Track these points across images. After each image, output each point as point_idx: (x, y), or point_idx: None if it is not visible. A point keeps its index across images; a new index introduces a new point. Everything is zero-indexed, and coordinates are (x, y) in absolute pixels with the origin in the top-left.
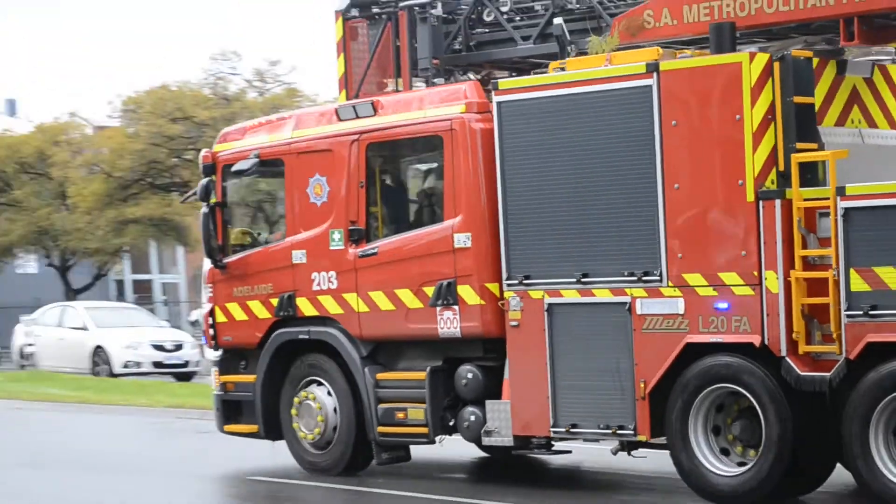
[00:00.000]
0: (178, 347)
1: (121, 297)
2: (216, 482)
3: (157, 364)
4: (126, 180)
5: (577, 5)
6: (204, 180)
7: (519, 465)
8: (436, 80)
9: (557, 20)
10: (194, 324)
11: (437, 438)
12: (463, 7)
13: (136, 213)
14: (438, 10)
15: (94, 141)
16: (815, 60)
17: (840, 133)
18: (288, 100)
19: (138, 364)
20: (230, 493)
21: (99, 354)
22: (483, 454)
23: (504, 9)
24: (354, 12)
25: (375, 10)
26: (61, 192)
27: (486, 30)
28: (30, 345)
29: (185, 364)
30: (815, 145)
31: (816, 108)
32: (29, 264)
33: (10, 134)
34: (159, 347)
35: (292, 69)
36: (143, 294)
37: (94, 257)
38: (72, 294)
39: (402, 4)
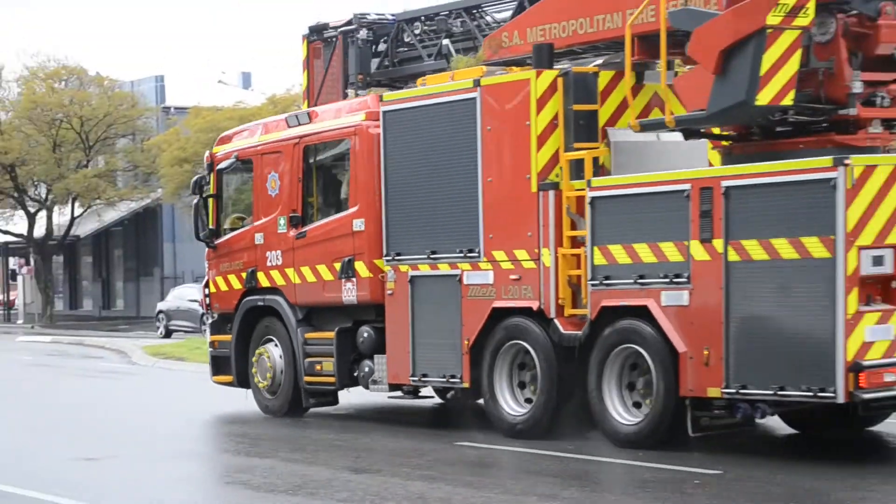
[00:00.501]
0: None
1: None
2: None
3: None
4: None
5: (461, 28)
6: (196, 176)
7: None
8: (360, 92)
9: (445, 41)
10: None
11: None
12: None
13: None
14: (363, 35)
15: None
16: (610, 73)
17: (630, 134)
18: None
19: None
20: (445, 458)
21: None
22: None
23: (416, 31)
24: (315, 36)
25: (326, 34)
26: None
27: (406, 49)
28: None
29: None
30: (597, 145)
31: (609, 113)
32: None
33: (243, 106)
34: None
35: None
36: None
37: None
38: None
39: (339, 30)
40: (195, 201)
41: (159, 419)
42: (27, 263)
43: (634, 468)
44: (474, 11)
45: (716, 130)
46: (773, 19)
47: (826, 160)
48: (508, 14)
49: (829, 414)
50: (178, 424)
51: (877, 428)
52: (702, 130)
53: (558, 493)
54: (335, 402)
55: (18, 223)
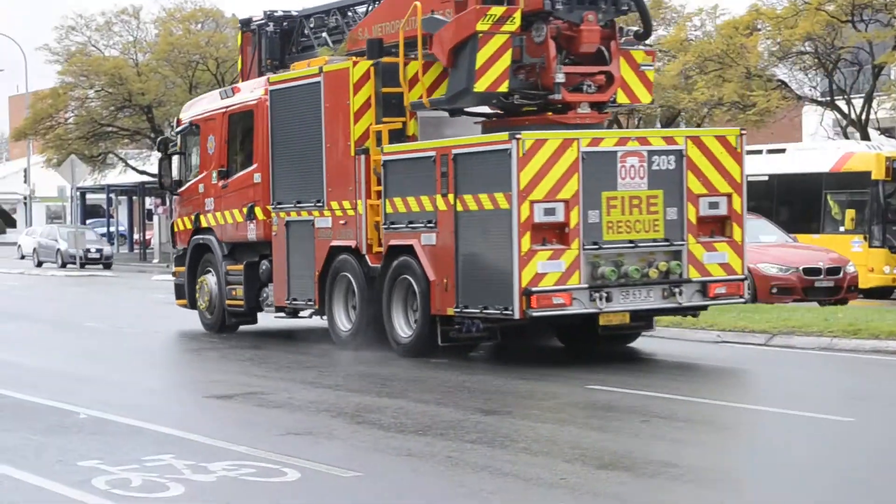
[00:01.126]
0: None
1: None
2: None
3: None
4: None
5: (335, 23)
6: (161, 137)
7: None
8: (269, 75)
9: (324, 34)
10: None
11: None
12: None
13: None
14: (271, 28)
15: None
16: (418, 63)
17: (431, 111)
18: (653, 11)
19: None
20: (575, 401)
21: None
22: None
23: (312, 25)
24: (245, 28)
25: (251, 26)
26: None
27: (304, 39)
28: None
29: None
30: (403, 119)
31: (417, 95)
32: None
33: None
34: None
35: None
36: None
37: None
38: None
39: (253, 24)
40: (160, 158)
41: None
42: (162, 203)
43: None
44: (347, 11)
45: (477, 108)
46: (482, 26)
47: (504, 135)
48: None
49: (588, 332)
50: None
51: (634, 344)
52: (464, 109)
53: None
54: (253, 321)
55: (155, 163)
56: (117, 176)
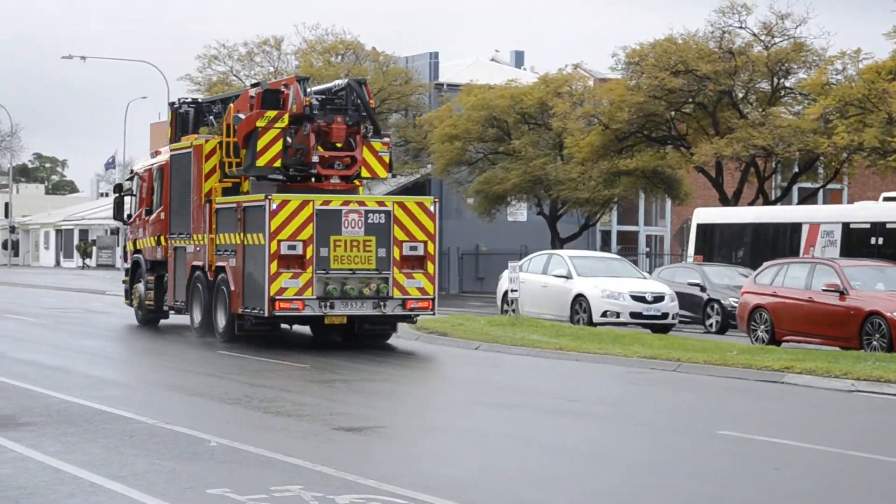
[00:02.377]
0: (658, 299)
1: (605, 247)
2: (686, 435)
3: (636, 315)
4: (622, 132)
5: (219, 110)
6: (117, 183)
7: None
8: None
9: (210, 117)
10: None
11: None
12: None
13: (628, 166)
14: (183, 109)
15: (595, 93)
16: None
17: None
18: (794, 54)
19: (617, 314)
20: (713, 448)
21: (579, 303)
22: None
23: (215, 110)
24: (174, 107)
25: (176, 107)
26: (558, 142)
27: (205, 118)
28: (514, 290)
29: (664, 316)
30: (238, 179)
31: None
32: (519, 212)
33: (515, 85)
34: (639, 299)
35: (802, 22)
36: (627, 245)
37: (583, 207)
38: (558, 243)
39: (175, 105)
40: (114, 197)
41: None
42: None
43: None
44: (228, 102)
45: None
46: (260, 123)
47: (261, 196)
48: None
49: (354, 333)
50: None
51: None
52: (268, 175)
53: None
54: (165, 317)
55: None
56: None
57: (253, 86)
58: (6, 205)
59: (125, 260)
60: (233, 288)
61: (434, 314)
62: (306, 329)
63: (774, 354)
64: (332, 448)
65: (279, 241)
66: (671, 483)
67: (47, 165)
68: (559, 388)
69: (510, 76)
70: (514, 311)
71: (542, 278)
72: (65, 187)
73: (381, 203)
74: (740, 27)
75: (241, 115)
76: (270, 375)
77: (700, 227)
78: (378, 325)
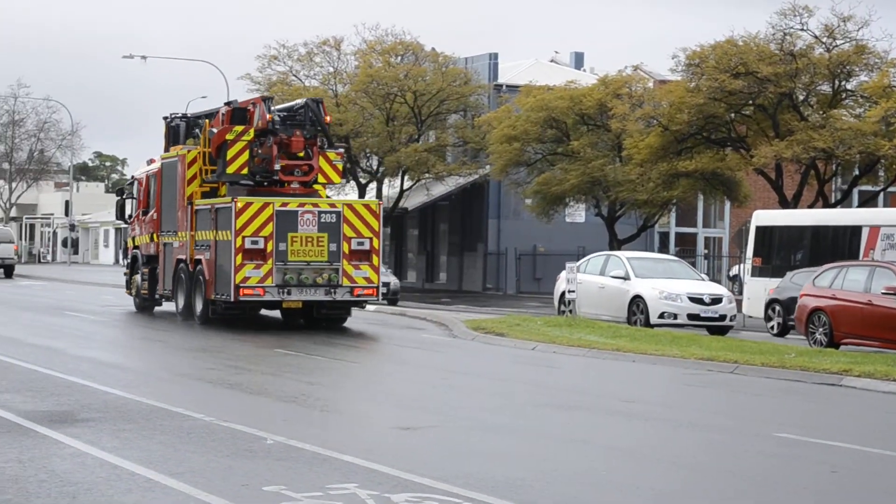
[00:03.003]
0: (716, 301)
1: (663, 248)
2: (743, 437)
3: (693, 316)
4: (682, 134)
5: (205, 112)
6: (119, 187)
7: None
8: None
9: (197, 130)
10: (733, 279)
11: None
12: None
13: (687, 167)
14: (175, 123)
15: (655, 94)
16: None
17: (241, 177)
18: (855, 56)
19: (674, 315)
20: (770, 451)
21: (637, 304)
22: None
23: (202, 123)
24: (167, 120)
25: (169, 121)
26: (617, 144)
27: (192, 131)
28: (571, 291)
29: (722, 318)
30: (217, 184)
31: (230, 171)
32: (577, 213)
33: (574, 86)
34: (697, 300)
35: (864, 25)
36: (685, 247)
37: (641, 209)
38: (616, 244)
39: (167, 119)
40: (117, 199)
41: (477, 392)
42: None
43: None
44: (212, 116)
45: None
46: (230, 136)
47: (228, 199)
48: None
49: (314, 318)
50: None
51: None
52: (239, 181)
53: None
54: (159, 304)
55: (350, 193)
56: None
57: (226, 104)
58: (66, 203)
59: (125, 255)
60: (207, 277)
61: (378, 300)
62: (277, 314)
63: (833, 357)
64: (387, 446)
65: (243, 237)
66: (728, 485)
67: (107, 164)
68: (616, 389)
69: (570, 77)
70: (571, 311)
71: (599, 279)
72: None
73: (332, 205)
74: (801, 29)
75: (214, 130)
76: (327, 373)
77: (759, 229)
78: (332, 310)
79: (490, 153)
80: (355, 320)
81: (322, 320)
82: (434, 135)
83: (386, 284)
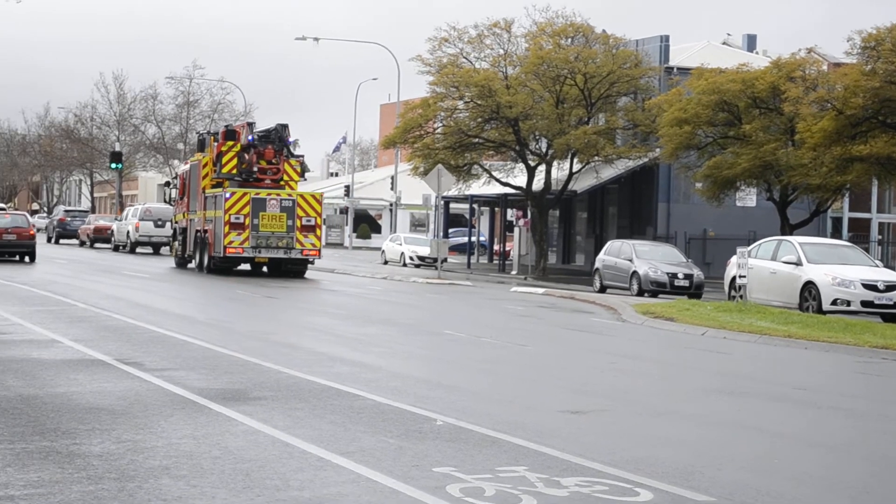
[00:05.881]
0: (891, 288)
1: (836, 234)
2: None
3: (867, 304)
4: (856, 118)
5: (212, 131)
6: (167, 180)
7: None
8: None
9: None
10: None
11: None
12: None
13: (862, 152)
14: (201, 137)
15: (829, 78)
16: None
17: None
18: None
19: (847, 302)
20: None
21: (809, 290)
22: None
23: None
24: (208, 136)
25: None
26: (790, 127)
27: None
28: (742, 276)
29: None
30: (222, 180)
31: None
32: (748, 198)
33: (747, 69)
34: (870, 287)
35: None
36: (858, 232)
37: (814, 194)
38: (788, 229)
39: (200, 134)
40: (166, 189)
41: (641, 376)
42: (524, 216)
43: None
44: (218, 135)
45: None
46: (224, 148)
47: (220, 189)
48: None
49: (282, 270)
50: (665, 387)
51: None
52: (234, 178)
53: None
54: (189, 262)
55: (519, 176)
56: (481, 187)
57: (225, 127)
58: None
59: (172, 228)
60: (210, 241)
61: (320, 258)
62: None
63: None
64: (556, 429)
65: (230, 215)
66: None
67: None
68: (787, 376)
69: (742, 60)
70: (741, 297)
71: (770, 264)
72: None
73: (289, 195)
74: None
75: (215, 144)
76: (498, 355)
77: None
78: (292, 265)
79: (660, 136)
80: (527, 304)
81: (289, 272)
82: (604, 117)
83: (689, 276)
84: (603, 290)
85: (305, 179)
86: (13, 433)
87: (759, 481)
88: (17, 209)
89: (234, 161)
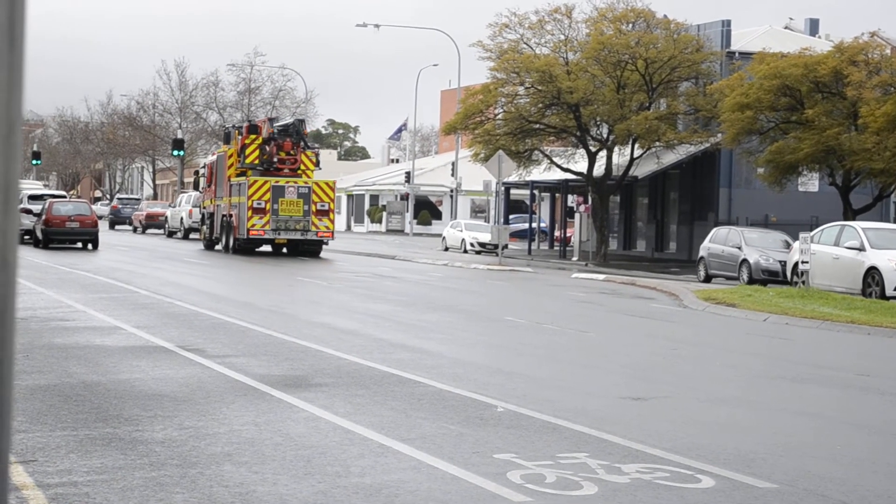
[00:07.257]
0: None
1: None
2: None
3: None
4: None
5: (237, 125)
6: (196, 170)
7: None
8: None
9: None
10: None
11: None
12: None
13: None
14: (228, 130)
15: (893, 61)
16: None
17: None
18: None
19: None
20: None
21: (872, 276)
22: None
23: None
24: (233, 130)
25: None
26: (853, 112)
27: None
28: (804, 262)
29: None
30: (246, 169)
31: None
32: (811, 182)
33: (809, 53)
34: None
35: None
36: None
37: (877, 178)
38: (851, 214)
39: (227, 128)
40: (195, 177)
41: (704, 362)
42: (585, 202)
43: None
44: (241, 129)
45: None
46: (247, 141)
47: (243, 178)
48: None
49: (300, 250)
50: (729, 373)
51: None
52: (256, 168)
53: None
54: (216, 244)
55: (579, 162)
56: (541, 173)
57: (247, 121)
58: None
59: (201, 213)
60: (235, 224)
61: (333, 239)
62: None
63: None
64: (617, 416)
65: (253, 200)
66: None
67: (340, 132)
68: (850, 362)
69: (804, 44)
70: (803, 282)
71: (833, 250)
72: (356, 153)
73: (306, 182)
74: None
75: (239, 137)
76: (556, 340)
77: None
78: (308, 246)
79: (722, 121)
80: (588, 290)
81: (305, 252)
82: (665, 102)
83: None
84: (708, 279)
85: (320, 168)
86: (76, 420)
87: (821, 468)
88: (79, 196)
89: (257, 152)
